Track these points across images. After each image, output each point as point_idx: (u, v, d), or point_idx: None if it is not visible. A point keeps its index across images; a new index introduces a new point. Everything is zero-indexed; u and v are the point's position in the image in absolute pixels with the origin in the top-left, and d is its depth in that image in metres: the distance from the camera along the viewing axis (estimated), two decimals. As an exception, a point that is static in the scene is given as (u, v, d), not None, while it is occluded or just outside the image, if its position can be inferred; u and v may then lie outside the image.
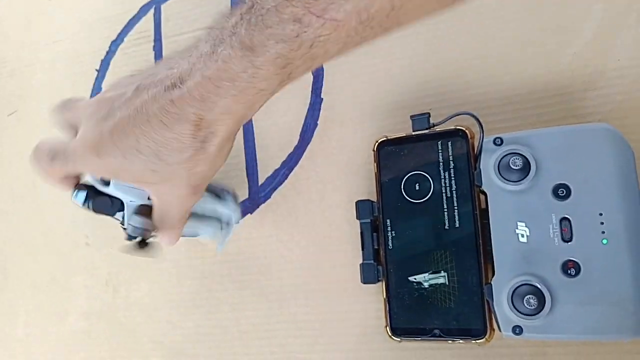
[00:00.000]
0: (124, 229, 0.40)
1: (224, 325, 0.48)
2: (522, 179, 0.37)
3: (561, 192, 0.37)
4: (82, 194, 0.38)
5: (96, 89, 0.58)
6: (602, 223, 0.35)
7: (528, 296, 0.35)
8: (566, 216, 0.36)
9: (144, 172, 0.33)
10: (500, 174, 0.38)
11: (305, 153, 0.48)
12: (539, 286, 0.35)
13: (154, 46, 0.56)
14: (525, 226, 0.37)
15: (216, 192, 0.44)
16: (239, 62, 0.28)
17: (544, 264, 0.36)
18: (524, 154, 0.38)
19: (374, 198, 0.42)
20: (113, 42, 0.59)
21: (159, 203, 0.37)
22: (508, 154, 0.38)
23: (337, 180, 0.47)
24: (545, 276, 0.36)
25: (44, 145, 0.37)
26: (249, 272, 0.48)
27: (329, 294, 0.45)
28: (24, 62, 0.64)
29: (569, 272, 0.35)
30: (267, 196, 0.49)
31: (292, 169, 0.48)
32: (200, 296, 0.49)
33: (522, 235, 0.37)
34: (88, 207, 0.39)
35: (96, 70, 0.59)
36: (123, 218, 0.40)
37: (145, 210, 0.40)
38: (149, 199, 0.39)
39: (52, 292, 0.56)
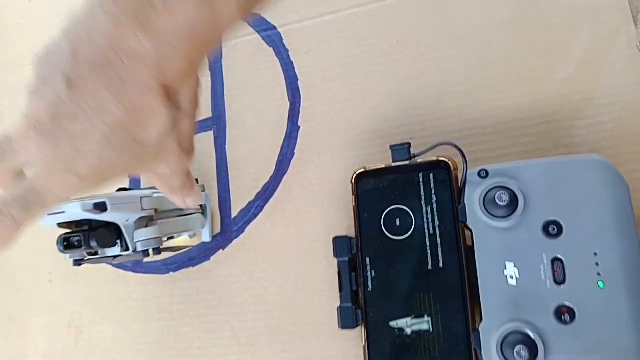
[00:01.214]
0: (123, 254, 0.38)
1: (194, 371, 0.45)
2: (510, 215, 0.35)
3: (552, 229, 0.34)
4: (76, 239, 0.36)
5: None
6: (597, 264, 0.33)
7: (519, 346, 0.32)
8: (558, 256, 0.33)
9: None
10: (486, 209, 0.35)
11: (281, 184, 0.45)
12: (530, 334, 0.32)
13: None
14: (515, 267, 0.34)
15: None
16: None
17: (536, 310, 0.33)
18: (511, 188, 0.35)
19: (353, 233, 0.39)
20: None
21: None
22: (494, 188, 0.35)
23: (315, 213, 0.44)
24: (538, 323, 0.33)
25: None
26: (220, 313, 0.45)
27: (306, 338, 0.42)
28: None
29: (562, 318, 0.32)
30: (241, 230, 0.46)
31: (268, 201, 0.46)
32: (167, 339, 0.46)
33: (512, 277, 0.34)
34: (89, 246, 0.36)
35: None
36: (123, 244, 0.37)
37: (141, 223, 0.38)
38: (143, 209, 0.37)
39: (9, 333, 0.52)
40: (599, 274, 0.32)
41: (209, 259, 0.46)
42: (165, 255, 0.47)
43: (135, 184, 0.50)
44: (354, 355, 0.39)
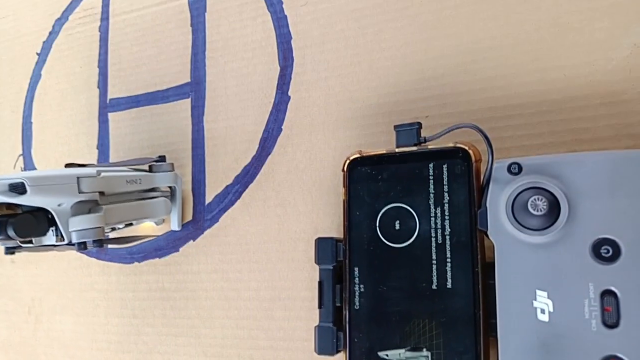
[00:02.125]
0: (58, 245, 0.31)
1: (154, 378, 0.38)
2: (548, 227, 0.26)
3: (605, 250, 0.25)
4: None
5: (34, 77, 0.49)
6: (665, 303, 0.24)
7: None
8: (611, 288, 0.24)
9: None
10: (516, 218, 0.27)
11: (264, 167, 0.38)
12: (563, 393, 0.24)
13: (99, 26, 0.47)
14: (548, 297, 0.26)
15: (143, 164, 0.36)
16: None
17: (574, 358, 0.25)
18: (551, 190, 0.26)
19: (341, 234, 0.32)
20: (57, 20, 0.49)
21: None
22: (528, 189, 0.26)
23: (301, 204, 0.36)
24: (575, 377, 0.24)
25: None
26: (186, 316, 0.38)
27: (279, 358, 0.35)
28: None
29: (611, 374, 0.24)
30: (215, 219, 0.38)
31: (247, 186, 0.38)
32: (128, 339, 0.40)
33: (543, 311, 0.26)
34: (8, 237, 0.29)
35: (37, 54, 0.50)
36: (58, 233, 0.31)
37: (82, 208, 0.31)
38: (80, 192, 0.30)
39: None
40: (668, 319, 0.23)
41: (178, 250, 0.39)
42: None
43: (104, 158, 0.44)
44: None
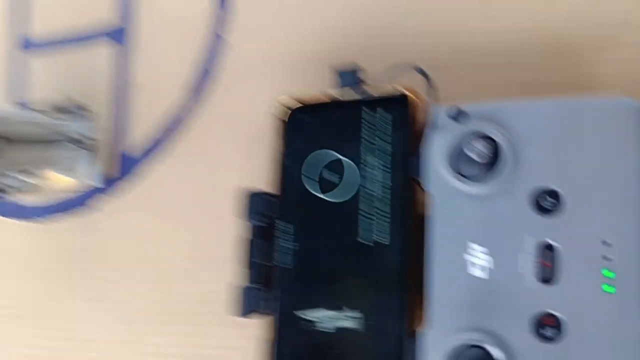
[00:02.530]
0: None
1: (59, 343, 0.35)
2: (489, 177, 0.24)
3: (546, 202, 0.23)
4: None
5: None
6: (606, 257, 0.22)
7: None
8: (550, 242, 0.23)
9: None
10: (455, 167, 0.24)
11: (194, 116, 0.34)
12: (493, 352, 0.22)
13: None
14: (483, 252, 0.24)
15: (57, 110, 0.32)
16: None
17: (507, 316, 0.23)
18: (494, 138, 0.24)
19: (274, 189, 0.29)
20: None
21: None
22: (470, 136, 0.24)
23: (233, 158, 0.33)
24: (507, 335, 0.22)
25: None
26: (91, 277, 0.34)
27: (201, 323, 0.32)
28: None
29: (543, 332, 0.22)
30: (138, 173, 0.35)
31: (175, 137, 0.35)
32: (33, 305, 0.36)
33: (477, 266, 0.24)
34: None
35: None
36: None
37: None
38: None
39: None
40: (606, 273, 0.22)
41: (94, 206, 0.35)
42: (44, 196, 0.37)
43: (17, 101, 0.39)
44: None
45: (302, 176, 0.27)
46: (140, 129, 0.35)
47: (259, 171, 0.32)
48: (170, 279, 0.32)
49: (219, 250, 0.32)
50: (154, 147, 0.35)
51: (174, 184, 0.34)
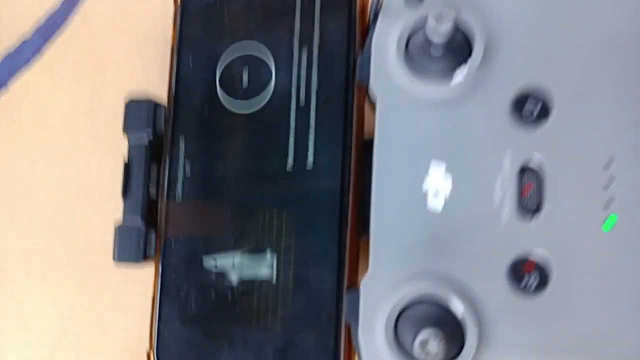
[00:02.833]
0: None
1: None
2: (454, 74, 0.18)
3: (530, 108, 0.18)
4: None
5: None
6: (609, 184, 0.17)
7: (430, 329, 0.16)
8: (534, 162, 0.17)
9: None
10: (410, 63, 0.18)
11: (74, 14, 0.26)
12: (454, 309, 0.17)
13: None
14: (445, 177, 0.18)
15: None
16: None
17: (475, 261, 0.17)
18: (462, 24, 0.18)
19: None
20: None
21: None
22: (430, 22, 0.18)
23: (125, 64, 0.25)
24: (475, 286, 0.17)
25: None
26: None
27: (83, 272, 0.24)
28: None
29: (524, 281, 0.17)
30: (3, 86, 0.27)
31: (52, 42, 0.27)
32: None
33: (436, 195, 0.18)
34: None
35: None
36: None
37: None
38: None
39: None
40: (608, 204, 0.17)
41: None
42: None
43: None
44: (145, 309, 0.22)
45: (200, 78, 0.20)
46: (7, 31, 0.27)
47: (159, 82, 0.25)
48: (46, 220, 0.25)
49: (105, 181, 0.24)
50: (25, 54, 0.27)
51: (50, 102, 0.26)
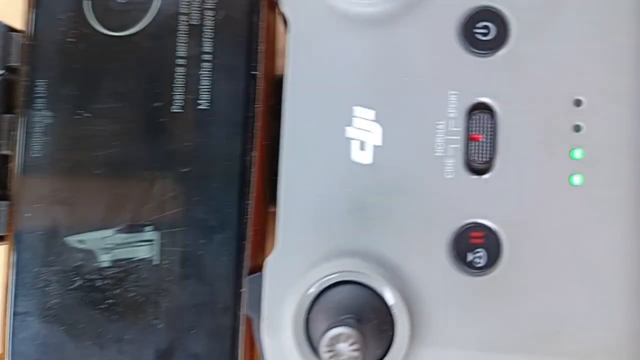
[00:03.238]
0: None
1: None
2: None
3: (483, 28, 0.14)
4: None
5: None
6: (577, 127, 0.13)
7: (339, 328, 0.12)
8: (485, 100, 0.13)
9: None
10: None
11: None
12: (383, 292, 0.13)
13: None
14: (375, 120, 0.14)
15: None
16: None
17: (410, 231, 0.13)
18: None
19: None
20: None
21: None
22: None
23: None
24: (408, 261, 0.13)
25: None
26: None
27: None
28: None
29: (470, 256, 0.13)
30: None
31: None
32: None
33: (363, 146, 0.14)
34: None
35: None
36: None
37: None
38: None
39: None
40: (575, 154, 0.13)
41: None
42: None
43: None
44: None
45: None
46: None
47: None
48: None
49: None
50: None
51: None
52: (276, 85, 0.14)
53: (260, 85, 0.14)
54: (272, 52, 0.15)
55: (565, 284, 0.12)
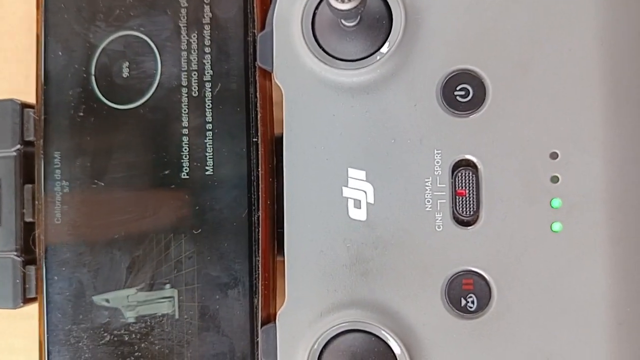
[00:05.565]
0: None
1: None
2: (372, 54, 0.14)
3: (462, 91, 0.15)
4: None
5: None
6: (555, 179, 0.14)
7: None
8: (468, 158, 0.15)
9: None
10: (319, 41, 0.14)
11: None
12: (387, 337, 0.14)
13: None
14: (367, 179, 0.15)
15: None
16: None
17: (407, 278, 0.15)
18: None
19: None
20: None
21: None
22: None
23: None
24: (407, 312, 0.14)
25: None
26: None
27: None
28: None
29: (464, 301, 0.14)
30: None
31: None
32: None
33: (358, 205, 0.15)
34: None
35: None
36: None
37: None
38: None
39: None
40: (554, 203, 0.14)
41: None
42: None
43: None
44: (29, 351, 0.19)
45: (71, 70, 0.16)
46: None
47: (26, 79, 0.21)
48: None
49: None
50: None
51: None
52: (277, 145, 0.16)
53: (261, 150, 0.15)
54: (270, 117, 0.16)
55: (550, 323, 0.13)
